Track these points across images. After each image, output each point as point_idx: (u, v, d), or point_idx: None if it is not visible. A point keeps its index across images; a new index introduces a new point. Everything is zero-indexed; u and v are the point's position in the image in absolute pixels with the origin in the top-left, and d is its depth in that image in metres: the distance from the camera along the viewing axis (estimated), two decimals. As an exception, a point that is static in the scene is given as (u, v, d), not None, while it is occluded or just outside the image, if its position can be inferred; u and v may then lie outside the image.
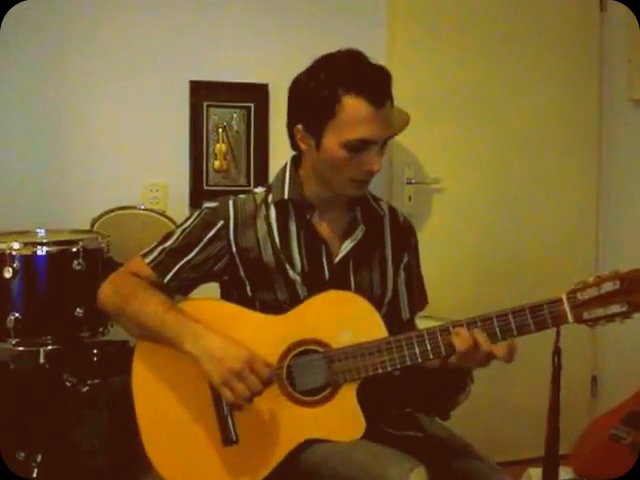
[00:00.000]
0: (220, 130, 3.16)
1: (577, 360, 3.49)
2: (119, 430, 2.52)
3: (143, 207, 2.93)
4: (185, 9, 3.10)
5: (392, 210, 2.14)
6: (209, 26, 3.13)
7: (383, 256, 2.07)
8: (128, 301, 1.92)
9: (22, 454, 2.45)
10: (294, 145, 2.00)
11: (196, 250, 1.96)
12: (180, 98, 3.10)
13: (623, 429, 2.70)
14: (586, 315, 1.76)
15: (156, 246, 2.00)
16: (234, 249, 1.96)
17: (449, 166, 3.43)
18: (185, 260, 1.96)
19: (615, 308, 1.75)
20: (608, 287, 1.75)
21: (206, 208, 2.02)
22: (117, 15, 3.02)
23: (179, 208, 3.04)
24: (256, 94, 3.18)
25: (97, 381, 2.57)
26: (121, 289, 1.95)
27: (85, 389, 2.55)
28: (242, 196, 2.03)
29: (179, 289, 2.00)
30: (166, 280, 1.96)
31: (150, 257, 1.98)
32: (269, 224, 1.98)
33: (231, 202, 2.00)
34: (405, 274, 2.11)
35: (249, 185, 3.17)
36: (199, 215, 2.01)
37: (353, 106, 1.83)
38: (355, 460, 1.77)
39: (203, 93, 3.12)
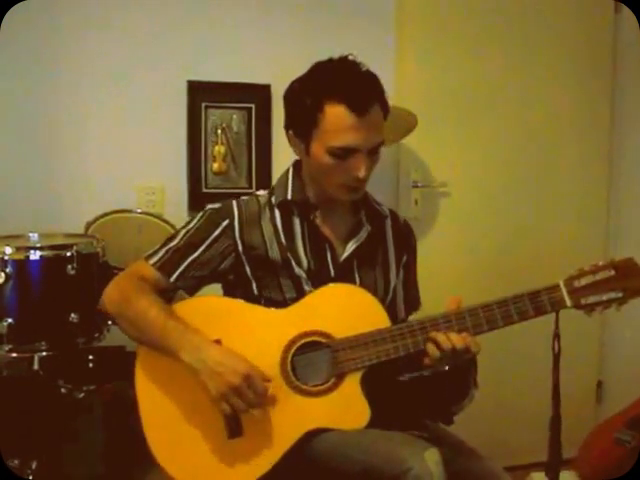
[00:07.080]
0: (219, 131, 3.12)
1: (582, 365, 3.51)
2: (115, 437, 2.53)
3: (139, 210, 2.91)
4: (182, 6, 3.06)
5: (392, 212, 2.19)
6: (207, 24, 3.10)
7: (386, 257, 2.12)
8: (130, 304, 1.92)
9: (16, 461, 2.43)
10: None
11: (202, 248, 1.99)
12: (177, 98, 3.06)
13: (627, 433, 2.80)
14: (583, 301, 1.85)
15: (160, 248, 2.02)
16: (240, 248, 1.99)
17: (456, 169, 3.41)
18: (191, 259, 1.98)
19: (611, 294, 1.84)
20: (603, 274, 1.85)
21: (210, 209, 2.05)
22: (112, 14, 2.98)
23: (176, 211, 3.01)
24: (257, 95, 3.14)
25: (92, 387, 2.55)
26: (124, 292, 1.95)
27: (80, 396, 2.53)
28: (245, 198, 2.07)
29: (185, 288, 2.01)
30: (172, 279, 1.98)
31: (155, 258, 2.00)
32: (275, 225, 2.02)
33: (235, 202, 2.04)
34: (403, 273, 2.16)
35: (251, 188, 3.14)
36: (203, 215, 2.04)
37: (335, 115, 1.87)
38: (367, 444, 1.80)
39: (201, 93, 3.08)
